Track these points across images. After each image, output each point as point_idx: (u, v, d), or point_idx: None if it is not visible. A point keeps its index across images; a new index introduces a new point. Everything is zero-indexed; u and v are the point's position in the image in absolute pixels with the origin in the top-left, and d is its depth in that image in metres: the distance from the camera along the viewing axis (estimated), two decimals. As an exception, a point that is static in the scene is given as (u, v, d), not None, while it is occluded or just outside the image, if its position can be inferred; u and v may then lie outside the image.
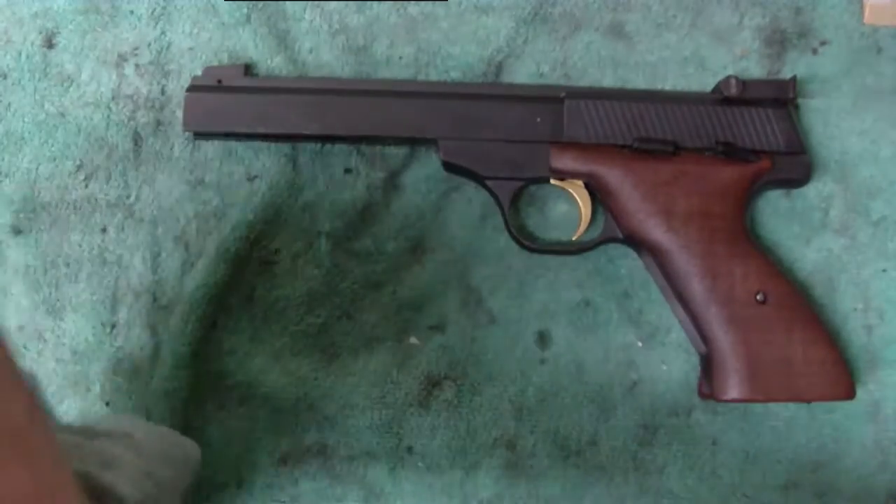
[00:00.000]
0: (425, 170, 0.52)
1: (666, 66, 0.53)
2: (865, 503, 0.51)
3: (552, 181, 0.50)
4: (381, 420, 0.51)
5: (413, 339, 0.52)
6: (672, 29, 0.53)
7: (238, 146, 0.52)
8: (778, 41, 0.53)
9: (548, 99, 0.50)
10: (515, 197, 0.51)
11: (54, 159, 0.52)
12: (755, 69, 0.52)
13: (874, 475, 0.51)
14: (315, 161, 0.52)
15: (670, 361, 0.51)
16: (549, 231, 0.52)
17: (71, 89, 0.52)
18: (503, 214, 0.50)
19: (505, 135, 0.50)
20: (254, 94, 0.49)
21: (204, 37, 0.52)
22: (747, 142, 0.50)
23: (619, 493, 0.51)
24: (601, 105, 0.50)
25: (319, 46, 0.53)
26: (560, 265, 0.52)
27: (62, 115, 0.52)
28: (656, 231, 0.49)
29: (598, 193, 0.50)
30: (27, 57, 0.52)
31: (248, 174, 0.52)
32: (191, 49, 0.52)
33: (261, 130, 0.49)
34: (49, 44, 0.52)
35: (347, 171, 0.52)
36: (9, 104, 0.52)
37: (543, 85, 0.52)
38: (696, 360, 0.51)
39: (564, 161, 0.50)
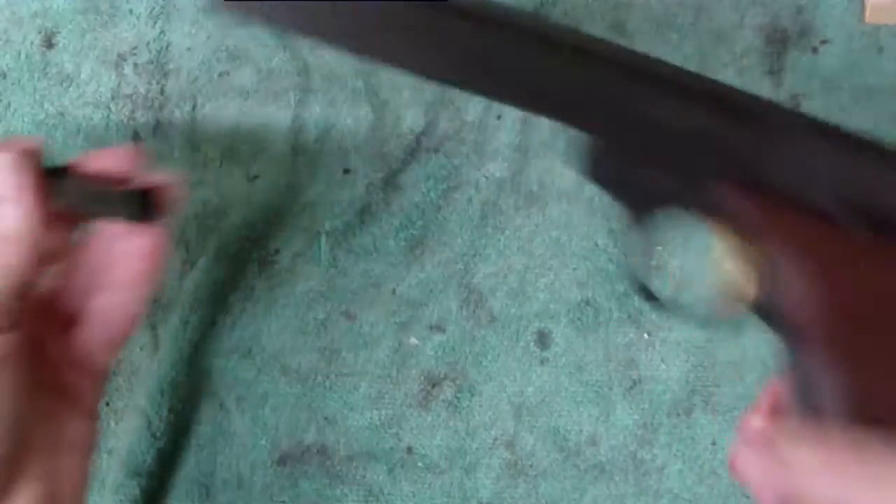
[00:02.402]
0: (425, 169, 0.52)
1: (666, 66, 0.53)
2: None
3: (708, 222, 0.38)
4: (381, 420, 0.51)
5: (413, 339, 0.52)
6: (673, 28, 0.53)
7: (238, 146, 0.52)
8: (779, 40, 0.53)
9: (745, 113, 0.36)
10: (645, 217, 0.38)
11: (54, 160, 0.52)
12: (755, 68, 0.52)
13: (874, 475, 0.51)
14: (315, 161, 0.52)
15: (670, 361, 0.51)
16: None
17: (70, 89, 0.52)
18: (626, 235, 0.40)
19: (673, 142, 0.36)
20: None
21: (203, 36, 0.52)
22: None
23: (619, 493, 0.51)
24: (817, 144, 0.35)
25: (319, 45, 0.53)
26: (560, 265, 0.52)
27: (62, 114, 0.52)
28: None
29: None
30: (27, 57, 0.52)
31: (247, 174, 0.52)
32: (189, 49, 0.52)
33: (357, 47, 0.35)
34: (48, 44, 0.52)
35: (346, 171, 0.52)
36: (8, 104, 0.52)
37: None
38: (696, 359, 0.51)
39: (738, 204, 0.36)
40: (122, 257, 0.41)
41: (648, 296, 0.40)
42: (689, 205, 0.37)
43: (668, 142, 0.36)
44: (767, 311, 0.36)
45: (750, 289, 0.36)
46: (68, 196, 0.40)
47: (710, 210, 0.37)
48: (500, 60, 0.35)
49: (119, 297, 0.41)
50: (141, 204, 0.40)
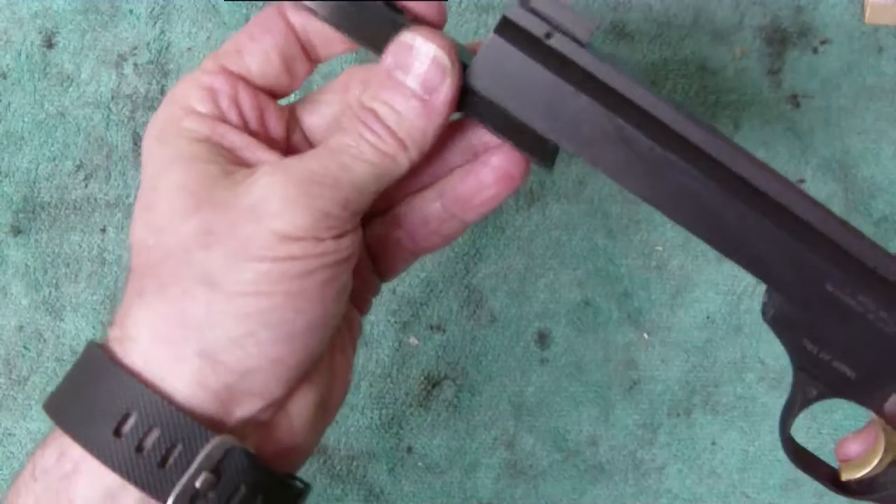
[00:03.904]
0: (425, 169, 0.52)
1: (667, 66, 0.53)
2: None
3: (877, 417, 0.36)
4: (381, 420, 0.51)
5: (413, 339, 0.52)
6: (673, 28, 0.53)
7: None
8: (778, 40, 0.53)
9: None
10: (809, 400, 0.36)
11: (54, 159, 0.52)
12: (755, 68, 0.52)
13: (874, 475, 0.51)
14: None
15: (670, 361, 0.51)
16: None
17: (70, 89, 0.52)
18: (791, 408, 0.36)
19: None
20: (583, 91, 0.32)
21: (203, 36, 0.52)
22: None
23: (619, 493, 0.51)
24: None
25: (319, 45, 0.53)
26: (560, 265, 0.52)
27: (62, 114, 0.52)
28: None
29: None
30: (27, 57, 0.52)
31: (247, 174, 0.52)
32: (189, 49, 0.52)
33: (555, 138, 0.33)
34: (49, 44, 0.52)
35: (347, 171, 0.52)
36: (8, 104, 0.52)
37: None
38: (696, 359, 0.51)
39: None
40: (474, 175, 0.37)
41: (796, 454, 0.38)
42: (859, 399, 0.35)
43: (864, 338, 0.33)
44: (883, 481, 0.38)
45: (876, 466, 0.38)
46: (480, 113, 0.34)
47: (878, 409, 0.35)
48: (717, 216, 0.33)
49: (451, 209, 0.37)
50: (544, 145, 0.34)
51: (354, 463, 0.51)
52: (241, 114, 0.34)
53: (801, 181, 0.52)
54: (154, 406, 0.30)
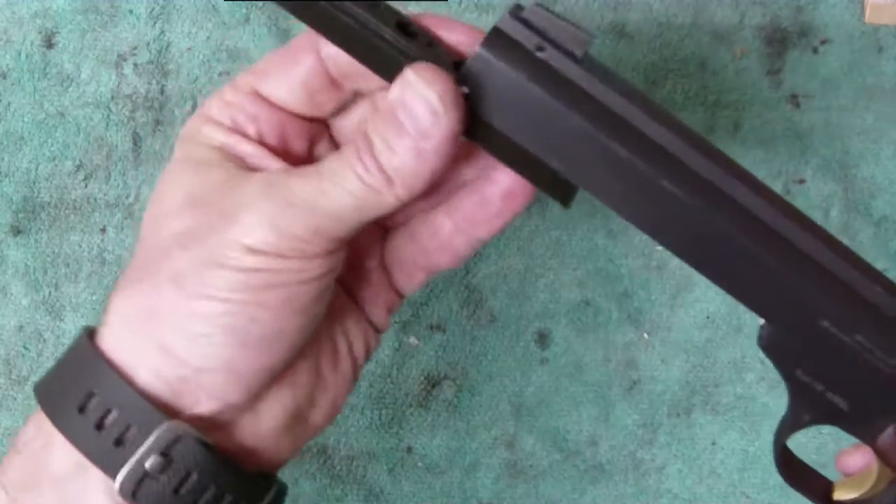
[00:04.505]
0: (425, 169, 0.52)
1: (667, 66, 0.53)
2: (865, 503, 0.51)
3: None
4: (381, 420, 0.51)
5: (413, 339, 0.52)
6: (673, 28, 0.53)
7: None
8: (778, 40, 0.53)
9: None
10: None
11: (54, 159, 0.52)
12: (755, 68, 0.52)
13: (874, 475, 0.51)
14: (315, 161, 0.52)
15: (670, 361, 0.51)
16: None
17: (70, 89, 0.52)
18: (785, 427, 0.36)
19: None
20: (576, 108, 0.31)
21: (203, 36, 0.52)
22: None
23: (619, 493, 0.51)
24: None
25: (319, 45, 0.53)
26: (560, 265, 0.52)
27: (62, 114, 0.52)
28: None
29: None
30: (27, 57, 0.52)
31: (247, 174, 0.52)
32: (189, 49, 0.52)
33: (555, 165, 0.32)
34: (49, 44, 0.52)
35: (347, 171, 0.52)
36: (8, 104, 0.52)
37: None
38: (696, 359, 0.51)
39: None
40: (480, 191, 0.36)
41: (788, 469, 0.37)
42: (852, 430, 0.35)
43: (858, 374, 0.33)
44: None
45: (869, 490, 0.37)
46: (489, 145, 0.33)
47: (871, 442, 0.34)
48: (711, 246, 0.32)
49: (460, 225, 0.37)
50: (559, 181, 0.33)
51: (354, 463, 0.51)
52: (258, 129, 0.35)
53: (801, 181, 0.52)
54: (115, 388, 0.32)
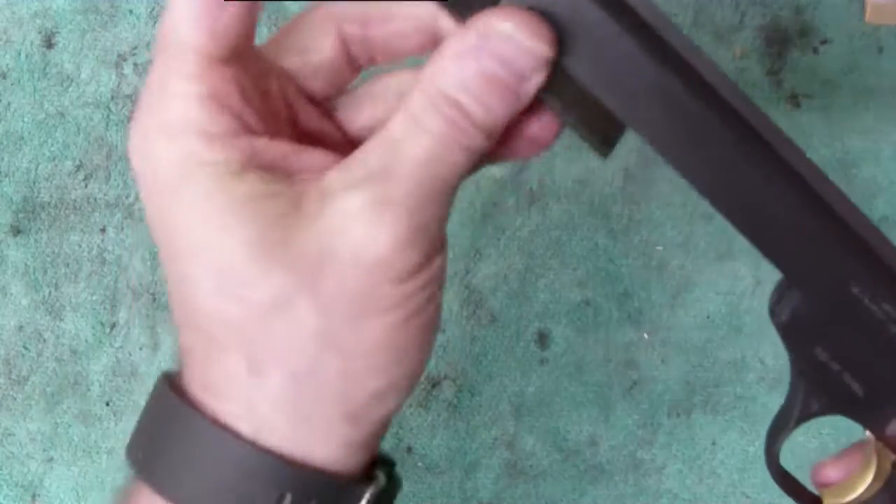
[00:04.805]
0: (425, 169, 0.52)
1: (666, 66, 0.53)
2: (865, 503, 0.51)
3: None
4: (381, 420, 0.51)
5: (413, 339, 0.52)
6: (672, 28, 0.53)
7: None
8: (778, 40, 0.53)
9: None
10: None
11: (54, 159, 0.52)
12: (755, 68, 0.52)
13: (874, 475, 0.51)
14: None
15: (670, 361, 0.51)
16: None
17: (70, 89, 0.52)
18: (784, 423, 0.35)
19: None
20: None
21: (203, 37, 0.52)
22: None
23: (619, 493, 0.51)
24: None
25: (319, 45, 0.53)
26: (560, 265, 0.52)
27: (62, 114, 0.52)
28: None
29: None
30: (27, 57, 0.52)
31: (247, 174, 0.52)
32: (190, 49, 0.52)
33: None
34: (48, 44, 0.52)
35: (347, 171, 0.52)
36: (8, 104, 0.52)
37: None
38: (696, 359, 0.51)
39: None
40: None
41: (780, 473, 0.36)
42: (862, 419, 0.33)
43: (880, 352, 0.32)
44: None
45: (863, 493, 0.37)
46: (558, 95, 0.30)
47: (881, 432, 0.33)
48: (752, 194, 0.30)
49: None
50: (606, 132, 0.31)
51: (354, 463, 0.51)
52: (256, 114, 0.29)
53: (802, 181, 0.52)
54: (307, 483, 0.29)
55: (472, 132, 0.28)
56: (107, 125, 0.52)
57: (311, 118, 0.31)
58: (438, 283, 0.30)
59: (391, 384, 0.29)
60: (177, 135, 0.28)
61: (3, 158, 0.52)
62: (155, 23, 0.52)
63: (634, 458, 0.51)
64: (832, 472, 0.36)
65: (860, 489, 0.36)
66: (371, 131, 0.30)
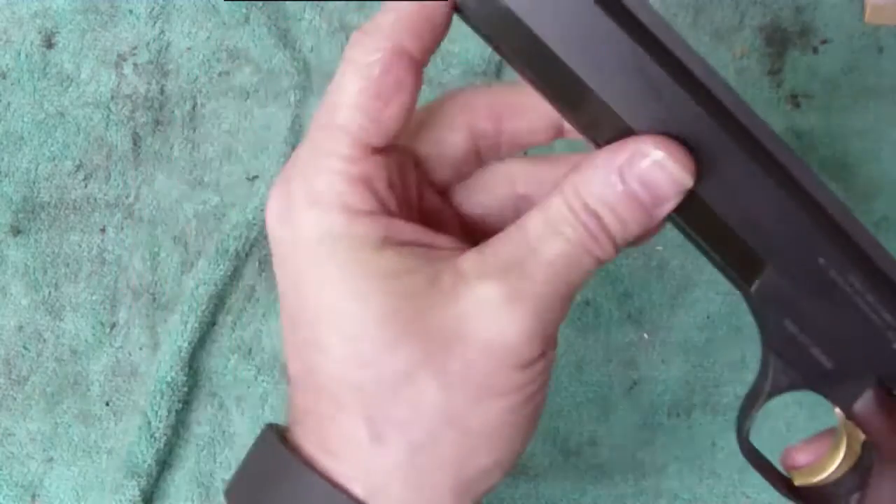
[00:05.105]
0: (425, 169, 0.52)
1: (666, 66, 0.53)
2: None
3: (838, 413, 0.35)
4: (381, 420, 0.51)
5: (413, 339, 0.52)
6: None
7: (238, 146, 0.52)
8: (778, 40, 0.53)
9: None
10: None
11: (53, 159, 0.52)
12: (755, 68, 0.52)
13: (874, 475, 0.51)
14: (315, 161, 0.52)
15: (670, 361, 0.51)
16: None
17: (70, 89, 0.52)
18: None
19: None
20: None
21: (202, 36, 0.52)
22: None
23: (619, 493, 0.51)
24: None
25: (319, 45, 0.53)
26: (560, 265, 0.52)
27: (61, 114, 0.52)
28: None
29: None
30: (26, 57, 0.52)
31: (247, 174, 0.52)
32: (189, 49, 0.52)
33: None
34: (48, 44, 0.52)
35: (347, 171, 0.52)
36: (8, 104, 0.52)
37: None
38: (696, 359, 0.51)
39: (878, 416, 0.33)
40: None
41: (750, 451, 0.36)
42: (830, 393, 0.34)
43: (847, 324, 0.32)
44: (836, 492, 0.36)
45: (832, 472, 0.37)
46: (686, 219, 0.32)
47: (848, 408, 0.34)
48: (724, 170, 0.31)
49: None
50: (742, 263, 0.33)
51: (354, 463, 0.51)
52: (397, 194, 0.31)
53: (801, 181, 0.52)
54: None
55: (605, 243, 0.30)
56: (107, 125, 0.52)
57: (432, 202, 0.33)
58: (549, 372, 0.31)
59: (498, 462, 0.31)
60: (323, 205, 0.29)
61: (3, 158, 0.52)
62: (155, 23, 0.52)
63: (634, 458, 0.51)
64: (801, 456, 0.37)
65: (829, 469, 0.36)
66: (482, 217, 0.33)
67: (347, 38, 0.52)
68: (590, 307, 0.52)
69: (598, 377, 0.52)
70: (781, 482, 0.37)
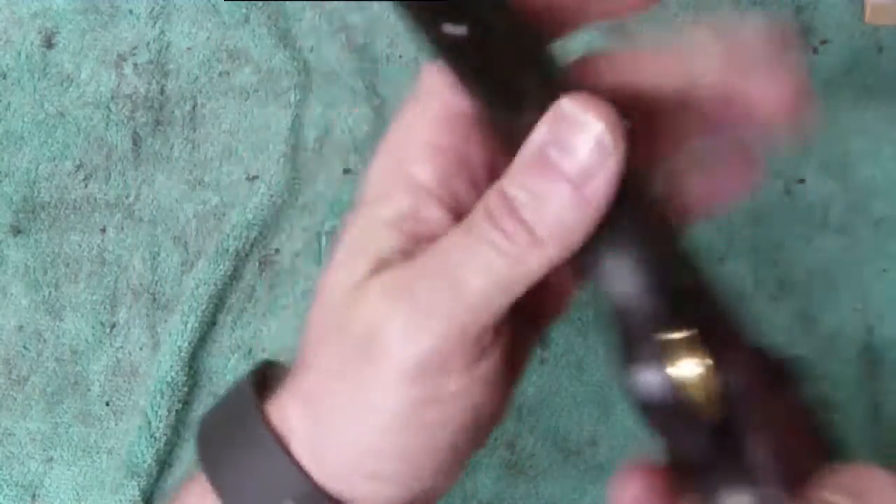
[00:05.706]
0: (425, 169, 0.52)
1: (666, 66, 0.53)
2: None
3: None
4: (381, 420, 0.51)
5: (413, 339, 0.52)
6: (673, 28, 0.53)
7: (238, 146, 0.52)
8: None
9: None
10: None
11: (54, 159, 0.52)
12: (756, 68, 0.52)
13: (874, 475, 0.51)
14: (315, 161, 0.52)
15: (670, 361, 0.51)
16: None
17: (70, 89, 0.52)
18: None
19: None
20: None
21: (203, 36, 0.52)
22: None
23: (619, 493, 0.51)
24: None
25: (319, 45, 0.53)
26: (560, 265, 0.52)
27: (62, 114, 0.52)
28: None
29: None
30: (27, 57, 0.52)
31: (247, 174, 0.52)
32: (189, 49, 0.52)
33: None
34: (48, 44, 0.52)
35: (346, 171, 0.52)
36: (8, 104, 0.52)
37: None
38: (696, 359, 0.51)
39: None
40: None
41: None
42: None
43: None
44: None
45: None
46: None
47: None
48: None
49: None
50: None
51: (354, 463, 0.51)
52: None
53: (801, 181, 0.52)
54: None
55: (516, 235, 0.27)
56: (107, 125, 0.52)
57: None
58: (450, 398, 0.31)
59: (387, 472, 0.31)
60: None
61: (3, 158, 0.52)
62: (155, 23, 0.52)
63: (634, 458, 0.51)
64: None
65: None
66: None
67: (347, 38, 0.53)
68: (590, 307, 0.52)
69: (598, 377, 0.52)
70: None
